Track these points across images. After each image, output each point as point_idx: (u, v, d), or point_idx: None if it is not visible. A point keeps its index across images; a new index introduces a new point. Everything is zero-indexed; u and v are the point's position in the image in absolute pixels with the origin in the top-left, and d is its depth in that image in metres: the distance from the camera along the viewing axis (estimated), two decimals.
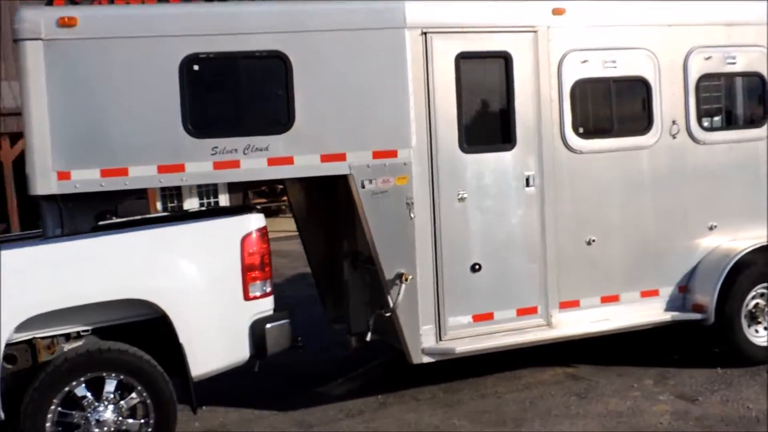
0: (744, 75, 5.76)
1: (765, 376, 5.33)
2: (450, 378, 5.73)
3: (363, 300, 5.45)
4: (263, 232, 4.71)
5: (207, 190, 19.11)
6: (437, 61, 4.91)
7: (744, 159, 5.78)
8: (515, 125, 5.13)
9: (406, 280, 4.87)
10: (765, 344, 5.60)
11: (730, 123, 5.79)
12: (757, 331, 5.64)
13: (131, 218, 6.21)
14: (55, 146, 4.31)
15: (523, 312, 5.26)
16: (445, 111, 4.96)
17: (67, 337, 4.41)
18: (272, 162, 4.68)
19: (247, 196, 17.64)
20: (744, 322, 5.56)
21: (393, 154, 4.87)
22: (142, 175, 4.50)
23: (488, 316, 5.18)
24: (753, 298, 5.61)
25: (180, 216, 5.95)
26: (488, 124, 5.20)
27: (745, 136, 5.77)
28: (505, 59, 5.08)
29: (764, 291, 5.63)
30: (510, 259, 5.21)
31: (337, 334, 6.26)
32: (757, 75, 5.78)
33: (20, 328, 4.08)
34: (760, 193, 5.83)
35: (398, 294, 4.85)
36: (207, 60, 4.52)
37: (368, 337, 5.18)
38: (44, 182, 4.33)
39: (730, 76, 5.71)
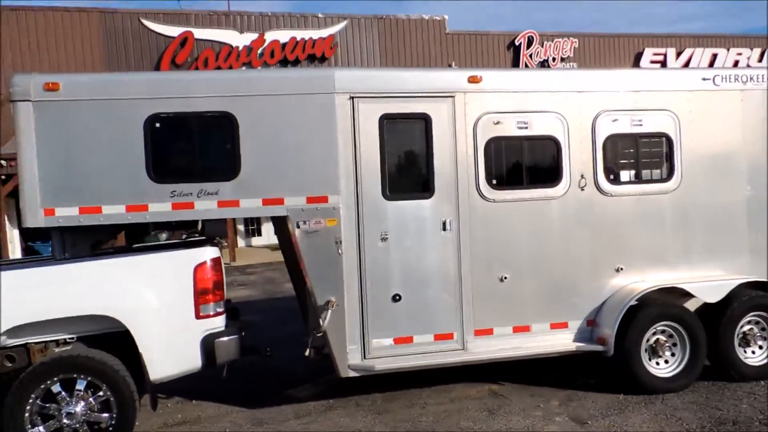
0: (651, 136, 6.49)
1: (658, 405, 5.95)
2: (402, 386, 6.60)
3: None
4: (216, 262, 5.64)
5: None
6: (363, 122, 5.82)
7: (651, 210, 6.48)
8: (433, 177, 5.99)
9: (332, 306, 5.73)
10: (664, 375, 6.22)
11: (638, 178, 6.48)
12: (657, 364, 6.27)
13: (122, 246, 7.26)
14: (42, 188, 5.36)
15: (440, 337, 6.05)
16: (370, 164, 5.85)
17: (57, 343, 5.41)
18: (221, 204, 5.64)
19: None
20: (644, 356, 6.21)
21: (324, 199, 5.77)
22: (113, 213, 5.50)
23: (408, 340, 5.99)
24: (654, 334, 6.26)
25: (156, 246, 6.94)
26: (409, 175, 6.05)
27: (653, 190, 6.48)
28: (425, 120, 5.96)
29: (665, 328, 6.27)
30: (428, 291, 6.01)
31: None
32: (665, 136, 6.50)
33: (12, 334, 5.09)
34: (666, 240, 6.52)
35: (326, 317, 5.70)
36: (167, 118, 5.53)
37: (307, 353, 5.99)
38: (33, 217, 5.38)
39: (637, 137, 6.44)
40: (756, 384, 6.36)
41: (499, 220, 6.16)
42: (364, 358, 5.90)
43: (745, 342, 6.49)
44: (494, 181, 6.14)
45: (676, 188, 6.53)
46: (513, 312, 6.22)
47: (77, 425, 5.13)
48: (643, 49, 26.47)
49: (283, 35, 21.57)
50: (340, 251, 5.79)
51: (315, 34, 21.89)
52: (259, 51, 21.45)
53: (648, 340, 6.26)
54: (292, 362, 7.53)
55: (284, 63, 22.04)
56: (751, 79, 6.72)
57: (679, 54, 26.60)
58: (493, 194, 6.12)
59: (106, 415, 5.22)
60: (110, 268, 5.44)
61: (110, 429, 5.20)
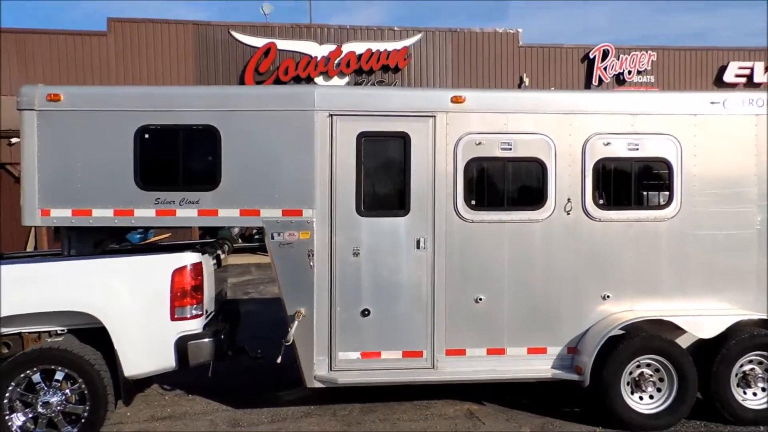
0: (649, 161, 6.22)
1: None
2: (385, 398, 6.68)
3: None
4: (196, 267, 5.94)
5: None
6: (341, 139, 5.95)
7: (646, 237, 6.21)
8: (410, 195, 6.03)
9: (299, 317, 5.89)
10: (646, 412, 5.94)
11: (631, 203, 6.23)
12: (641, 399, 5.99)
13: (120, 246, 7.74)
14: (40, 190, 5.85)
15: (409, 354, 6.07)
16: (345, 180, 5.97)
17: (50, 334, 5.89)
18: (201, 213, 5.94)
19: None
20: (625, 389, 5.95)
21: (299, 212, 5.95)
22: (102, 216, 5.92)
23: (376, 355, 6.05)
24: (638, 367, 5.98)
25: (147, 249, 7.37)
26: (385, 192, 6.11)
27: (648, 216, 6.21)
28: (403, 139, 6.01)
29: (650, 361, 5.98)
30: (398, 308, 6.05)
31: None
32: (663, 161, 6.22)
33: (7, 322, 5.59)
34: (661, 270, 6.22)
35: (292, 328, 5.87)
36: (155, 130, 5.90)
37: (279, 360, 6.16)
38: (30, 217, 5.88)
39: (633, 161, 6.19)
40: (753, 429, 5.94)
41: (477, 241, 6.10)
42: (331, 369, 6.01)
43: (746, 383, 6.07)
44: (473, 202, 6.09)
45: (675, 215, 6.22)
46: (488, 334, 6.14)
47: (52, 414, 5.53)
48: (728, 63, 24.83)
49: (359, 47, 22.08)
50: (311, 264, 5.94)
51: (390, 46, 22.26)
52: (336, 61, 22.04)
53: (631, 373, 5.99)
54: (293, 363, 7.65)
55: (359, 73, 22.53)
56: None
57: None
58: (471, 215, 6.08)
59: (81, 406, 5.60)
60: (93, 268, 5.85)
61: (82, 420, 5.57)
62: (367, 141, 6.00)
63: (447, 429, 6.08)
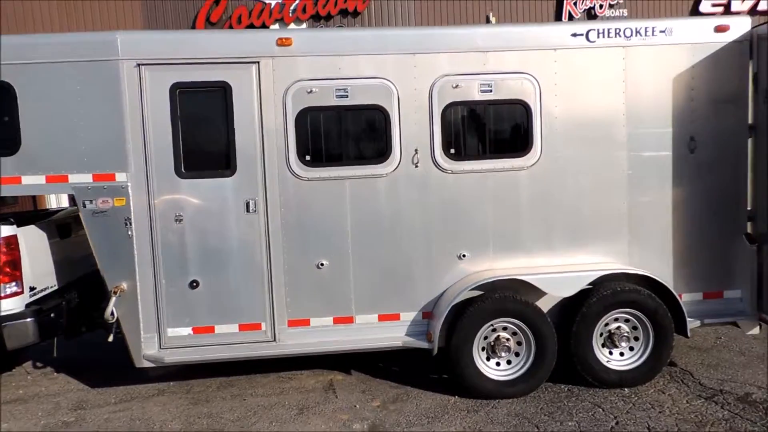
0: (504, 103, 5.60)
1: (480, 415, 5.23)
2: (254, 370, 6.31)
3: None
4: (8, 240, 5.35)
5: None
6: (152, 92, 5.29)
7: (504, 188, 5.65)
8: (235, 153, 5.40)
9: (119, 292, 5.33)
10: (500, 378, 5.48)
11: (486, 152, 5.64)
12: (498, 365, 5.52)
13: None
14: None
15: (246, 327, 5.55)
16: (161, 139, 5.33)
17: None
18: (4, 181, 5.30)
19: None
20: (478, 355, 5.48)
21: (111, 177, 5.33)
22: None
23: (209, 329, 5.52)
24: (494, 330, 5.49)
25: None
26: (207, 151, 5.47)
27: (505, 166, 5.63)
28: (224, 89, 5.35)
29: (506, 324, 5.49)
30: (231, 277, 5.50)
31: None
32: (520, 103, 5.60)
33: None
34: (522, 224, 5.69)
35: (110, 305, 5.32)
36: None
37: (110, 338, 5.61)
38: None
39: (486, 105, 5.58)
40: (612, 392, 5.49)
41: (315, 200, 5.52)
42: (161, 347, 5.50)
43: (612, 343, 5.59)
44: (308, 158, 5.49)
45: (535, 163, 5.64)
46: (333, 302, 5.62)
47: None
48: None
49: None
50: (130, 233, 5.36)
51: None
52: (291, 7, 21.02)
53: (486, 338, 5.50)
54: None
55: (316, 18, 21.42)
56: (637, 33, 5.66)
57: None
58: (306, 172, 5.48)
59: None
60: None
61: None
62: (182, 93, 5.34)
63: (296, 404, 5.62)
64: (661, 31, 5.64)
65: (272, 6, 21.03)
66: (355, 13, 21.40)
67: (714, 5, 23.60)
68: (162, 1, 21.13)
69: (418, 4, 21.96)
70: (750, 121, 5.72)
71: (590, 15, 22.83)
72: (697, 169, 5.72)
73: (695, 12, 23.38)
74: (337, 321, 5.63)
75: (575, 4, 22.87)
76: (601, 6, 23.03)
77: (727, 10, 23.36)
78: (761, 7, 23.26)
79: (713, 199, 5.75)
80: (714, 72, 5.66)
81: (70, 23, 20.30)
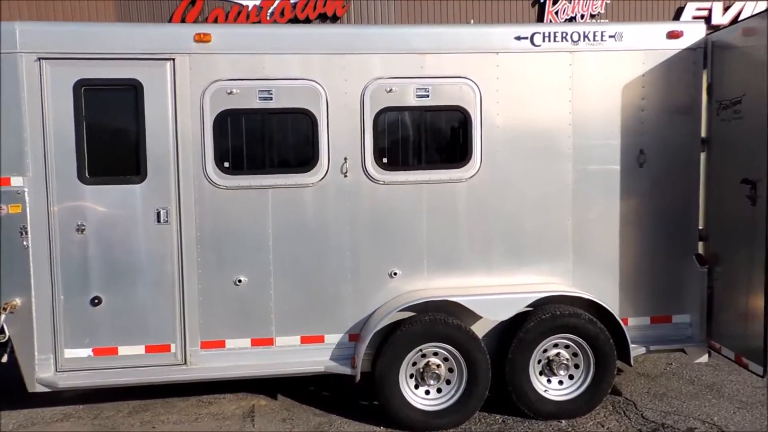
0: (441, 109, 5.20)
1: None
2: (172, 394, 5.78)
3: None
4: None
5: None
6: (53, 89, 4.81)
7: (440, 201, 5.25)
8: (146, 157, 4.94)
9: (10, 309, 4.84)
10: (429, 409, 5.06)
11: (421, 162, 5.23)
12: (428, 393, 5.10)
13: None
14: None
15: (153, 349, 5.08)
16: (63, 140, 4.85)
17: None
18: None
19: None
20: (406, 383, 5.05)
21: (6, 181, 4.84)
22: None
23: (112, 351, 5.04)
24: (423, 356, 5.07)
25: None
26: (114, 155, 5.00)
27: (441, 177, 5.22)
28: (135, 88, 4.89)
29: (437, 350, 5.07)
30: (139, 294, 5.02)
31: None
32: (459, 110, 5.21)
33: None
34: (457, 240, 5.28)
35: (1, 321, 4.82)
36: None
37: (4, 359, 5.13)
38: None
39: (423, 111, 5.17)
40: (549, 425, 5.09)
41: (233, 211, 5.07)
42: (57, 370, 5.00)
43: (550, 370, 5.19)
44: (227, 164, 5.04)
45: (474, 175, 5.25)
46: (252, 322, 5.16)
47: None
48: (685, 4, 23.58)
49: None
50: (26, 243, 4.87)
51: None
52: (269, 10, 20.48)
53: (415, 364, 5.08)
54: None
55: (294, 22, 20.96)
56: (585, 37, 5.29)
57: (726, 9, 23.61)
58: (225, 180, 5.03)
59: None
60: None
61: None
62: (88, 91, 4.86)
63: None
64: (610, 36, 5.28)
65: (249, 8, 20.53)
66: (335, 17, 20.98)
67: (695, 17, 23.50)
68: (136, 1, 20.56)
69: (398, 6, 21.61)
70: (703, 134, 5.38)
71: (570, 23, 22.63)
72: (646, 184, 5.36)
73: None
74: (255, 343, 5.18)
75: (557, 13, 22.67)
76: (582, 16, 22.84)
77: (708, 22, 23.27)
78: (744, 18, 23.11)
79: (663, 217, 5.39)
80: (666, 81, 5.31)
81: (39, 11, 19.66)
